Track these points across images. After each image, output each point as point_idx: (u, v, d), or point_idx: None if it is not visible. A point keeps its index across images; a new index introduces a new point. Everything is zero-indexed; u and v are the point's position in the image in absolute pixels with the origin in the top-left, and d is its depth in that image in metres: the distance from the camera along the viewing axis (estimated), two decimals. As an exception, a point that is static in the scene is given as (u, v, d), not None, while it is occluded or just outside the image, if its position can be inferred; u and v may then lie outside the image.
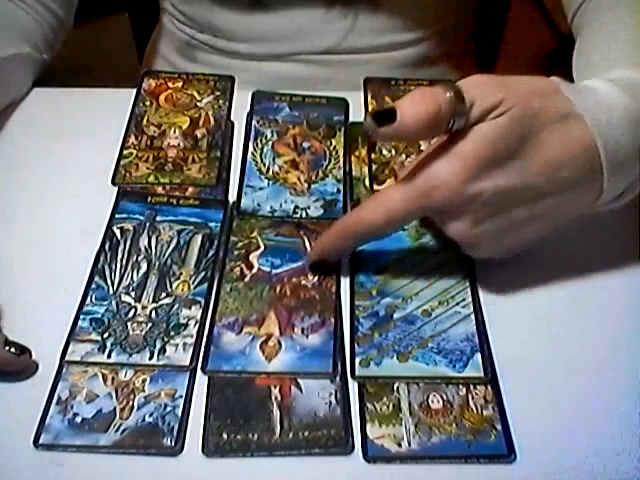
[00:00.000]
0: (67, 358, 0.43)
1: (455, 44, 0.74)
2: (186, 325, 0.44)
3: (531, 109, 0.39)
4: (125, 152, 0.54)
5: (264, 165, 0.54)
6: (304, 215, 0.51)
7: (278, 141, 0.56)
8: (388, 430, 0.40)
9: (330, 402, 0.41)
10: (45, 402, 0.41)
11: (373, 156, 0.55)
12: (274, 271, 0.47)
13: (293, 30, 0.67)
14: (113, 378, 0.42)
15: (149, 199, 0.51)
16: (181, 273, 0.47)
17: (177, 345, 0.43)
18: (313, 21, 0.66)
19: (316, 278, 0.47)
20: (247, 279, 0.47)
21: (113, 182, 0.53)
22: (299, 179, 0.53)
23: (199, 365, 0.43)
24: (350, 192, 0.53)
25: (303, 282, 0.46)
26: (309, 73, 0.69)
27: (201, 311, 0.45)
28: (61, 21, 0.64)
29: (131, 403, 0.41)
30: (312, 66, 0.69)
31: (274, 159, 0.54)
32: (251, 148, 0.55)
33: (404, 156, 0.55)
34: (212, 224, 0.50)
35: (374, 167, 0.54)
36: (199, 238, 0.49)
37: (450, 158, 0.39)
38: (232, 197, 0.52)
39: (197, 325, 0.44)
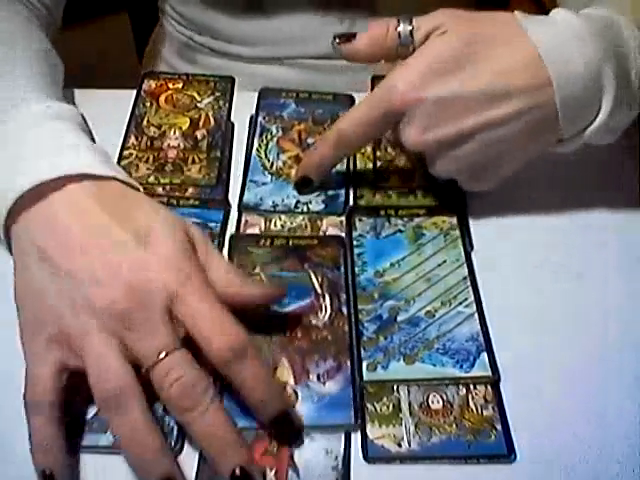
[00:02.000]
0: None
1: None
2: None
3: (476, 27, 0.44)
4: (125, 152, 0.54)
5: (268, 161, 0.54)
6: (305, 209, 0.51)
7: (283, 137, 0.56)
8: (388, 430, 0.40)
9: None
10: None
11: (378, 153, 0.55)
12: (282, 311, 0.45)
13: (289, 34, 0.67)
14: None
15: None
16: None
17: None
18: (309, 26, 0.66)
19: (327, 317, 0.45)
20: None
21: (113, 183, 0.53)
22: None
23: None
24: (350, 171, 0.53)
25: (313, 322, 0.44)
26: (306, 77, 0.69)
27: None
28: (52, 16, 0.62)
29: None
30: (309, 70, 0.69)
31: (278, 155, 0.54)
32: (256, 144, 0.55)
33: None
34: (212, 224, 0.50)
35: (379, 164, 0.54)
36: None
37: (403, 67, 0.44)
38: (232, 198, 0.52)
39: None
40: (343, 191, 0.52)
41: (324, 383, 0.41)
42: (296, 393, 0.41)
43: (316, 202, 0.51)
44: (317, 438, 0.40)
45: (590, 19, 0.44)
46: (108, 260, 0.39)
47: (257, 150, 0.55)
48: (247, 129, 0.57)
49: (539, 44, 0.42)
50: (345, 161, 0.54)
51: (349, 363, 0.42)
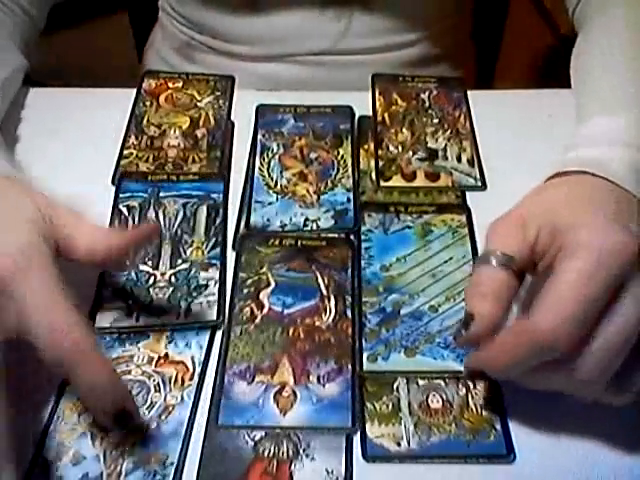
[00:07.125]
0: (97, 325, 0.43)
1: (452, 45, 0.74)
2: (206, 285, 0.45)
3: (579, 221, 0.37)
4: (125, 152, 0.55)
5: (272, 179, 0.53)
6: (315, 227, 0.50)
7: (285, 154, 0.55)
8: (388, 429, 0.40)
9: None
10: (29, 464, 0.38)
11: (380, 152, 0.55)
12: (286, 311, 0.45)
13: (287, 32, 0.67)
14: (102, 438, 0.39)
15: (149, 177, 0.52)
16: (193, 241, 0.48)
17: (202, 303, 0.44)
18: (307, 23, 0.66)
19: (331, 319, 0.45)
20: (258, 320, 0.44)
21: (113, 182, 0.53)
22: (308, 191, 0.52)
23: (225, 321, 0.44)
24: (357, 185, 0.53)
25: (317, 323, 0.44)
26: (306, 74, 0.69)
27: (219, 272, 0.46)
28: (34, 21, 0.62)
29: (119, 468, 0.38)
30: (309, 67, 0.69)
31: (282, 172, 0.53)
32: (258, 163, 0.54)
33: (411, 153, 0.55)
34: (214, 195, 0.51)
35: (381, 163, 0.54)
36: (204, 208, 0.50)
37: (547, 311, 0.35)
38: (232, 196, 0.52)
39: (217, 284, 0.45)
40: (352, 205, 0.51)
41: (324, 385, 0.41)
42: (295, 393, 0.41)
43: (325, 219, 0.50)
44: (317, 458, 0.39)
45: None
46: None
47: (259, 169, 0.54)
48: (248, 128, 0.56)
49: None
50: (350, 174, 0.53)
51: (350, 366, 0.42)
